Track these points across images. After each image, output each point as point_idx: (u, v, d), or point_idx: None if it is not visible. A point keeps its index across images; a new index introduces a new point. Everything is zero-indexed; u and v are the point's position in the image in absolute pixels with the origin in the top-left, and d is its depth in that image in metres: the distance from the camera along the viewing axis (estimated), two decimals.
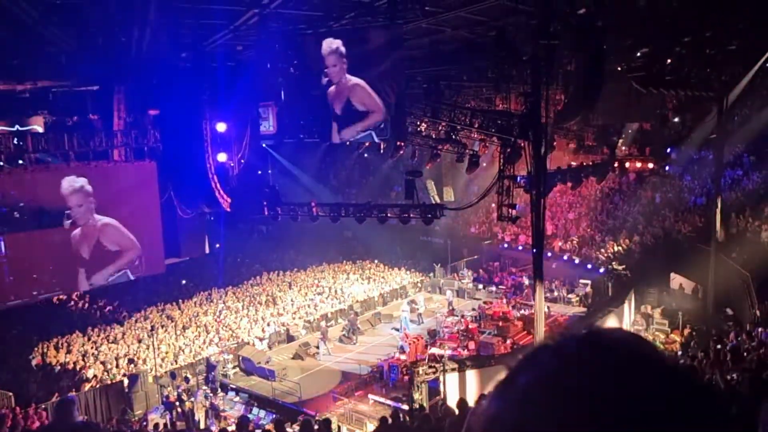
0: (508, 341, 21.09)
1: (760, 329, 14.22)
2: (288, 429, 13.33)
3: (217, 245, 26.27)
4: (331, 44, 15.96)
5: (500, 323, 22.49)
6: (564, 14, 14.83)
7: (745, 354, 11.86)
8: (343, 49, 15.94)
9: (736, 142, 26.15)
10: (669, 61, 19.22)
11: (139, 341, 22.04)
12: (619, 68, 19.04)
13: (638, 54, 18.60)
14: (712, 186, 24.11)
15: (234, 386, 20.10)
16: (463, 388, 16.03)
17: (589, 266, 27.06)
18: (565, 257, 28.29)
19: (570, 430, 0.57)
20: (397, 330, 24.10)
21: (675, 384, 0.61)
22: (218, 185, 18.91)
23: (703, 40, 17.53)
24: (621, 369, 0.61)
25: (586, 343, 0.66)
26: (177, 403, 18.35)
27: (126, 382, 19.08)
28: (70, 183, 17.51)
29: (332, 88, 16.55)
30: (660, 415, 0.58)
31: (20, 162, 17.11)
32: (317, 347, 22.96)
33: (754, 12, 15.37)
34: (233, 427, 14.48)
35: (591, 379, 0.60)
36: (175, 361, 21.17)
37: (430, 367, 16.98)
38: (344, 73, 16.23)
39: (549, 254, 26.35)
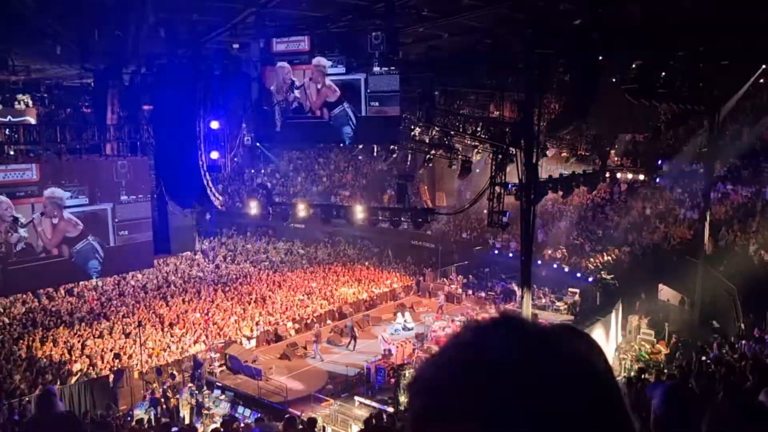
0: None
1: (743, 342, 14.37)
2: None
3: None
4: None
5: None
6: (560, 25, 14.97)
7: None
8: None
9: (726, 156, 26.40)
10: (662, 74, 19.41)
11: (126, 336, 21.94)
12: (613, 80, 19.21)
13: (632, 66, 18.78)
14: (701, 199, 24.33)
15: (220, 384, 20.04)
16: None
17: (578, 275, 27.20)
18: (555, 265, 28.42)
19: (462, 384, 0.71)
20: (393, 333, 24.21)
21: (539, 349, 0.74)
22: (210, 183, 18.88)
23: (697, 55, 17.73)
24: (509, 339, 0.76)
25: (494, 321, 0.79)
26: (162, 400, 18.27)
27: (111, 377, 18.99)
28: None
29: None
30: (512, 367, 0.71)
31: (11, 153, 17.01)
32: (305, 347, 22.94)
33: (746, 29, 15.56)
34: (217, 425, 14.46)
35: (490, 347, 0.74)
36: (162, 357, 21.08)
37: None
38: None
39: (539, 262, 26.47)
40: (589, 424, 0.70)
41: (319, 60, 16.44)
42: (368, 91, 16.30)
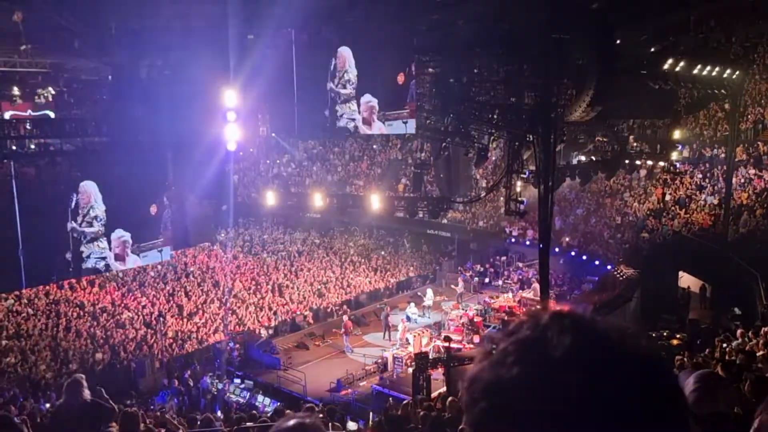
0: None
1: (766, 329, 14.12)
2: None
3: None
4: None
5: (505, 317, 22.47)
6: (577, 8, 14.76)
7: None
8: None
9: (748, 141, 25.91)
10: (682, 57, 19.06)
11: (147, 326, 22.26)
12: (631, 63, 18.89)
13: (651, 50, 18.46)
14: (723, 184, 23.94)
15: (239, 373, 20.27)
16: None
17: (596, 262, 26.96)
18: (573, 253, 28.19)
19: (529, 384, 0.70)
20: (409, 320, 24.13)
21: (596, 346, 0.73)
22: (227, 173, 19.00)
23: (717, 38, 17.41)
24: (575, 337, 0.73)
25: (555, 317, 0.76)
26: (183, 389, 18.54)
27: (134, 366, 19.29)
28: None
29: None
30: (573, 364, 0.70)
31: (32, 147, 17.19)
32: (322, 336, 23.04)
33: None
34: (238, 414, 14.63)
35: (552, 344, 0.72)
36: (182, 347, 21.36)
37: (434, 359, 17.06)
38: None
39: (556, 249, 26.27)
40: (659, 423, 0.69)
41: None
42: None
